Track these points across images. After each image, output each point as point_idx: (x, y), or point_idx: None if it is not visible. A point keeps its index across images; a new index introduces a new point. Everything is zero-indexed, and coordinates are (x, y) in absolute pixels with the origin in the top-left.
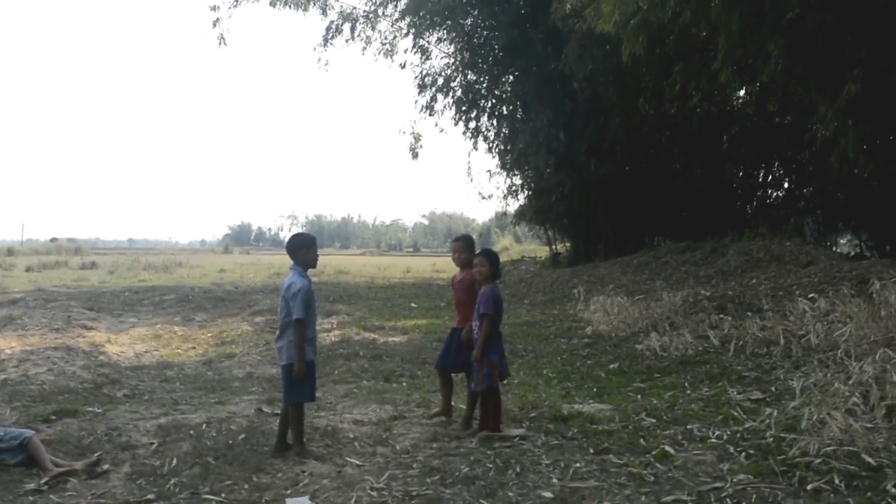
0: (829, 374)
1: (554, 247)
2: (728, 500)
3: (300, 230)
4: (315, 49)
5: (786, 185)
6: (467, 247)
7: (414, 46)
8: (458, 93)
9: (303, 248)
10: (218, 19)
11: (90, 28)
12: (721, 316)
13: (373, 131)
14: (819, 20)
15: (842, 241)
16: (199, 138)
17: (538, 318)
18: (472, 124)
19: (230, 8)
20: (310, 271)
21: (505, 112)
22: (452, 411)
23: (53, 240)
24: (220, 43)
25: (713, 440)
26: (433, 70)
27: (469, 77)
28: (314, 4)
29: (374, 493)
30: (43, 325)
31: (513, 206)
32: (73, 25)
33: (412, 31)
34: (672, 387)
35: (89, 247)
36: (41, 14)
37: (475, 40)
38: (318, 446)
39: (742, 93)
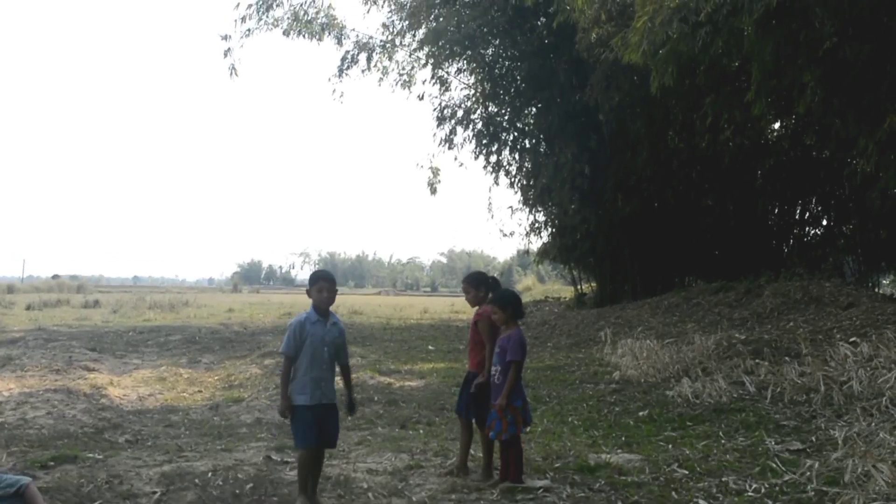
0: (873, 424)
1: (579, 287)
2: None
3: (312, 268)
4: (330, 80)
5: (824, 222)
6: (471, 285)
7: (433, 77)
8: (479, 125)
9: (310, 286)
10: (229, 49)
11: (95, 59)
12: (757, 361)
13: (389, 165)
14: (857, 51)
15: (885, 281)
16: (208, 172)
17: (563, 362)
18: (494, 158)
19: (242, 37)
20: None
21: (527, 145)
22: (468, 467)
23: (55, 277)
24: (231, 73)
25: (750, 493)
26: (453, 102)
27: (490, 109)
28: (329, 34)
29: None
30: (43, 365)
31: (535, 243)
32: (77, 56)
33: (431, 61)
34: (705, 436)
35: (92, 284)
36: (46, 43)
37: (496, 71)
38: (331, 497)
39: (777, 126)
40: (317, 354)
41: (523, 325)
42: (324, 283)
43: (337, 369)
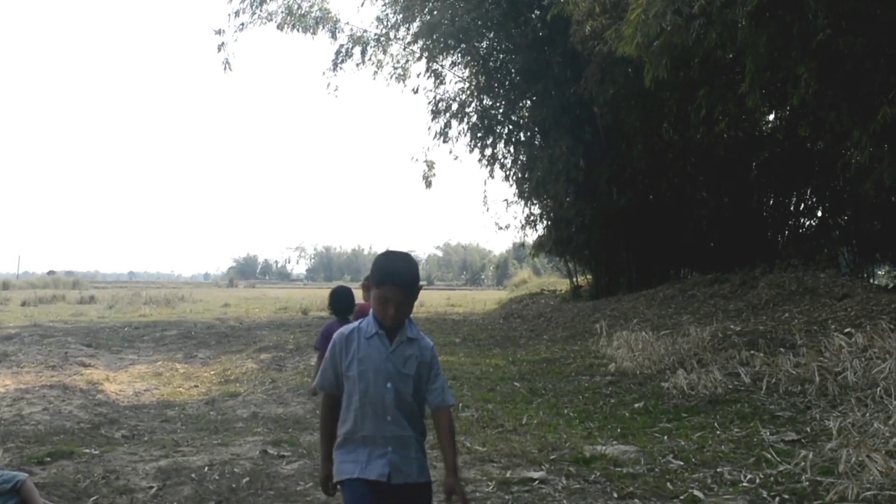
0: (867, 414)
1: (574, 279)
2: None
3: (308, 263)
4: (324, 74)
5: (819, 213)
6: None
7: (427, 70)
8: (474, 118)
9: (371, 281)
10: (223, 43)
11: (90, 54)
12: (752, 352)
13: (384, 159)
14: (850, 43)
15: (879, 272)
16: (203, 167)
17: (558, 354)
18: (488, 151)
19: (236, 31)
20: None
21: (522, 139)
22: None
23: (51, 273)
24: (225, 68)
25: (745, 484)
26: (447, 95)
27: (485, 102)
28: (323, 28)
29: None
30: (38, 361)
31: (531, 236)
32: (71, 51)
33: (425, 54)
34: (701, 427)
35: (88, 280)
36: (39, 39)
37: (491, 64)
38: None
39: (771, 117)
40: (372, 394)
41: (519, 318)
42: (390, 289)
43: None
